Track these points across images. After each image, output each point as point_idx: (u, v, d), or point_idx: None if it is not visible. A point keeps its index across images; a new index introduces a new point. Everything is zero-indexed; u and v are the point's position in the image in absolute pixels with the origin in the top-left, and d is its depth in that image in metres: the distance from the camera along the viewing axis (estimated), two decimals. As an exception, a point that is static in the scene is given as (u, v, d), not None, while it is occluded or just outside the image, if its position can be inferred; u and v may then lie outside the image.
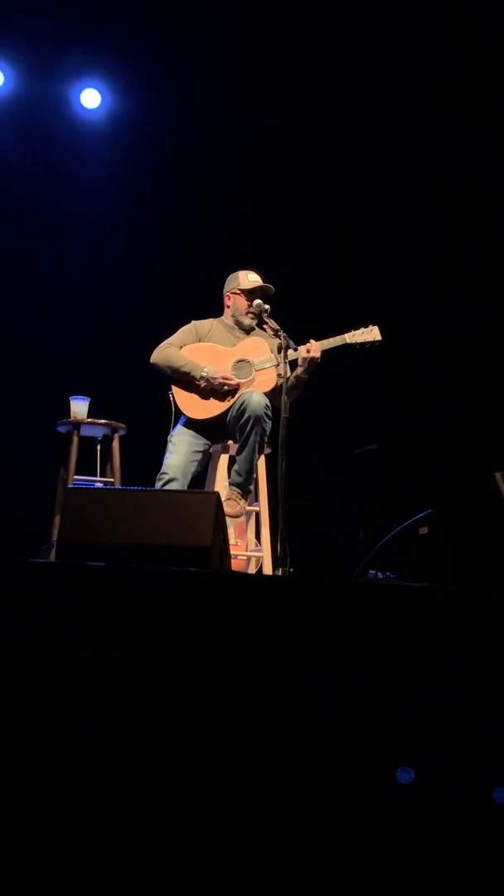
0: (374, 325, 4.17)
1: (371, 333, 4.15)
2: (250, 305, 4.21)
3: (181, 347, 4.20)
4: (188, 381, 4.13)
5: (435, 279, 5.78)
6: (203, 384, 4.11)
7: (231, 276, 4.33)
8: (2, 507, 5.25)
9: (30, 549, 4.52)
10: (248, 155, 5.87)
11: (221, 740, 1.92)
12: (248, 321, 4.25)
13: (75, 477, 4.75)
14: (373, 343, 4.16)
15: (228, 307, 4.32)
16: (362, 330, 4.15)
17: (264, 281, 4.26)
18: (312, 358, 4.01)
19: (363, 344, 4.15)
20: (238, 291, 4.27)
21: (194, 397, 4.15)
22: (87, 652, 1.93)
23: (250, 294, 4.24)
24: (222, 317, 4.34)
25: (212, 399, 4.14)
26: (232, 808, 1.90)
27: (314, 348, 4.02)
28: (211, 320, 4.33)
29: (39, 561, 2.92)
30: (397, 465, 5.49)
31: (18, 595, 1.98)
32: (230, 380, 4.11)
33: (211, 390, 4.12)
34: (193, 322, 4.31)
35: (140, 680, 1.91)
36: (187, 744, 1.91)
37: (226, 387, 4.10)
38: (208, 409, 4.14)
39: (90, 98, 5.94)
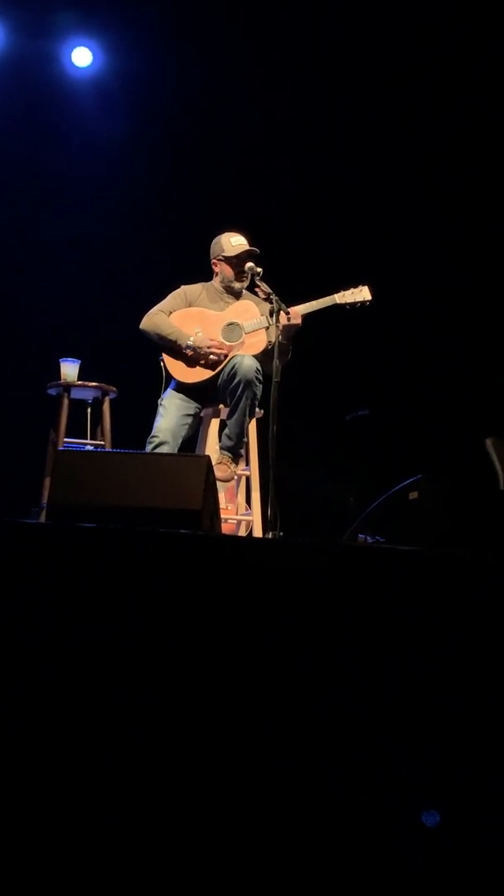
0: (364, 284, 4.13)
1: (361, 293, 4.12)
2: (238, 271, 4.17)
3: (170, 313, 4.18)
4: (175, 349, 4.11)
5: (428, 235, 5.74)
6: (190, 353, 4.09)
7: (215, 241, 4.28)
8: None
9: (20, 511, 4.52)
10: (240, 114, 5.81)
11: (210, 704, 1.94)
12: (237, 286, 4.21)
13: (66, 440, 4.75)
14: (363, 303, 4.12)
15: (217, 273, 4.28)
16: (352, 290, 4.11)
17: (249, 242, 4.21)
18: (293, 325, 3.96)
19: (353, 304, 4.11)
20: (222, 258, 4.23)
21: (183, 362, 4.14)
22: (76, 613, 1.93)
23: (235, 259, 4.19)
24: (211, 281, 4.31)
25: (201, 364, 4.12)
26: (217, 771, 1.92)
27: (294, 314, 3.96)
28: (201, 284, 4.30)
29: (30, 521, 2.92)
30: (388, 430, 5.50)
31: (10, 556, 1.98)
32: (218, 346, 4.08)
33: (199, 358, 4.10)
34: (183, 287, 4.28)
35: (128, 641, 1.92)
36: (177, 710, 1.92)
37: (213, 356, 4.08)
38: (198, 373, 4.13)
39: (81, 56, 5.85)
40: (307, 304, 4.03)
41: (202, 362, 4.11)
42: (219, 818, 1.88)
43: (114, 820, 1.86)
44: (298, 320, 3.96)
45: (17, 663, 1.90)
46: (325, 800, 1.93)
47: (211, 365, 4.10)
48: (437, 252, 5.76)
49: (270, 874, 1.85)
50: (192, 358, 4.12)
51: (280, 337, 3.90)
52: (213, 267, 4.29)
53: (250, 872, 1.86)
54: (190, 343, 4.07)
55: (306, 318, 4.01)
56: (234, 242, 4.21)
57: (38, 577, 1.97)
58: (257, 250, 4.18)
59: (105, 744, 1.88)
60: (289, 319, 3.90)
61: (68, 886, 1.81)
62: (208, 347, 4.07)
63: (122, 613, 1.94)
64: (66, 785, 1.86)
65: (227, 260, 4.21)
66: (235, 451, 4.04)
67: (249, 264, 4.08)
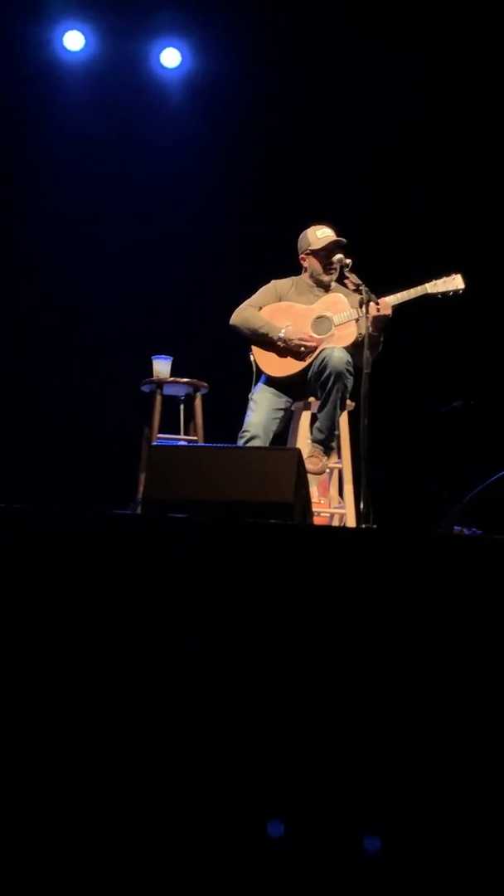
0: (456, 272, 4.06)
1: (453, 282, 4.05)
2: (327, 263, 4.15)
3: (260, 308, 4.19)
4: (267, 342, 4.12)
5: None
6: (281, 345, 4.09)
7: (301, 236, 4.27)
8: (89, 466, 5.36)
9: (117, 506, 4.60)
10: (327, 113, 5.79)
11: (303, 694, 1.94)
12: (326, 278, 4.19)
13: (159, 435, 4.81)
14: (455, 292, 4.05)
15: (305, 269, 4.28)
16: (444, 279, 4.05)
17: (336, 233, 4.19)
18: (383, 315, 3.92)
19: (445, 293, 4.04)
20: (310, 252, 4.22)
21: (274, 356, 4.14)
22: (171, 603, 1.96)
23: (322, 252, 4.18)
24: (301, 276, 4.31)
25: (291, 357, 4.12)
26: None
27: (383, 305, 3.92)
28: (291, 279, 4.30)
29: (127, 513, 2.98)
30: (482, 422, 5.40)
31: (109, 547, 2.02)
32: (308, 339, 4.08)
33: (290, 351, 4.10)
34: (273, 282, 4.29)
35: (224, 628, 1.93)
36: (265, 695, 1.93)
37: (303, 347, 4.07)
38: (289, 366, 4.13)
39: (170, 57, 5.91)
40: (398, 294, 3.99)
41: (293, 355, 4.11)
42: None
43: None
44: (389, 311, 3.93)
45: (108, 646, 1.93)
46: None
47: (301, 357, 4.10)
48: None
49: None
50: (283, 351, 4.12)
51: (370, 328, 3.88)
52: (302, 262, 4.29)
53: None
54: (281, 335, 4.08)
55: (397, 308, 3.97)
56: (320, 235, 4.20)
57: (135, 567, 2.00)
58: (344, 240, 4.16)
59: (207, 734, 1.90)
60: (378, 310, 3.87)
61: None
62: (299, 340, 4.07)
63: (215, 601, 1.96)
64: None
65: (315, 253, 4.20)
66: (327, 444, 4.03)
67: (338, 256, 4.05)
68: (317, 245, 4.19)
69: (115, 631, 1.93)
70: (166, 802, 1.90)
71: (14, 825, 1.87)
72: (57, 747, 1.91)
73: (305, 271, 4.28)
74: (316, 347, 4.08)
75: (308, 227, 4.26)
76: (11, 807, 1.88)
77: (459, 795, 1.90)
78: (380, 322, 3.92)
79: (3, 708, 1.91)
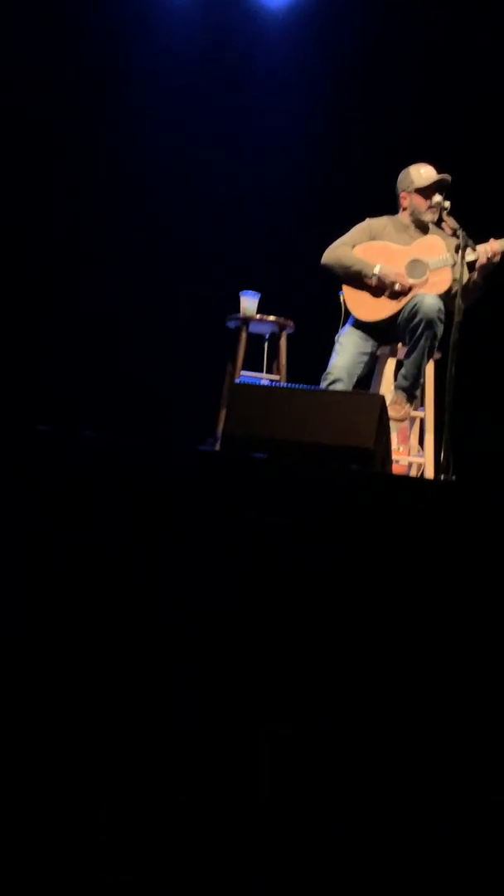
0: None
1: None
2: (429, 202, 4.04)
3: (353, 247, 4.11)
4: (359, 281, 4.04)
5: None
6: (374, 282, 4.00)
7: (403, 174, 4.15)
8: (172, 400, 5.38)
9: (196, 440, 4.62)
10: (433, 45, 5.57)
11: (371, 641, 1.93)
12: (429, 216, 4.07)
13: (242, 372, 4.80)
14: None
15: (405, 208, 4.16)
16: None
17: (438, 171, 4.07)
18: (491, 262, 3.83)
19: None
20: (413, 191, 4.10)
21: (365, 298, 4.06)
22: (243, 541, 1.96)
23: (426, 191, 4.06)
24: (397, 215, 4.20)
25: (382, 300, 4.04)
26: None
27: (494, 251, 3.82)
28: (386, 218, 4.20)
29: (205, 448, 2.98)
30: None
31: (185, 483, 2.03)
32: (403, 280, 3.99)
33: (382, 291, 4.01)
34: (367, 220, 4.19)
35: (294, 574, 1.93)
36: (338, 645, 1.92)
37: (398, 286, 3.98)
38: (379, 310, 4.05)
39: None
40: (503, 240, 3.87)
41: (386, 294, 4.02)
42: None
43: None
44: (498, 257, 3.82)
45: (181, 586, 1.95)
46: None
47: (394, 297, 4.00)
48: None
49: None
50: (375, 293, 4.03)
51: (475, 276, 3.80)
52: (402, 201, 4.17)
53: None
54: (376, 272, 3.98)
55: None
56: (423, 173, 4.09)
57: (209, 505, 2.00)
58: (449, 177, 4.04)
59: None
60: (489, 257, 3.77)
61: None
62: (393, 281, 3.98)
63: (287, 545, 1.95)
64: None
65: (420, 191, 4.09)
66: (411, 391, 3.96)
67: (437, 198, 3.94)
68: (421, 183, 4.08)
69: (192, 565, 1.94)
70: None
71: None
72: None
73: (404, 210, 4.17)
74: (409, 290, 3.99)
75: (408, 166, 4.15)
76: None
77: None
78: (486, 269, 3.83)
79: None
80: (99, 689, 1.93)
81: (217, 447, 4.19)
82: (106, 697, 1.92)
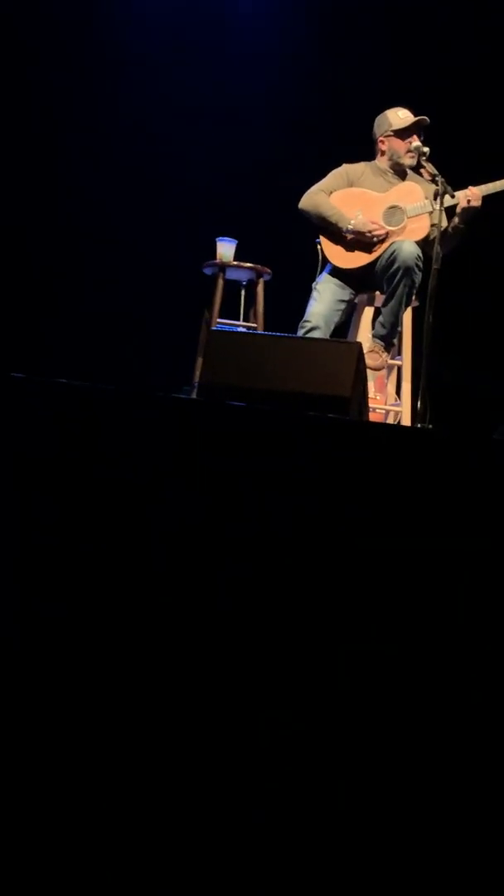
0: None
1: None
2: (408, 145, 4.00)
3: (331, 193, 4.06)
4: (336, 231, 4.01)
5: None
6: (350, 237, 3.98)
7: (380, 118, 4.11)
8: (147, 347, 5.34)
9: (173, 389, 4.60)
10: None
11: (347, 590, 1.94)
12: (408, 160, 4.03)
13: (219, 320, 4.76)
14: None
15: (383, 152, 4.11)
16: None
17: (415, 114, 4.02)
18: (473, 207, 3.80)
19: None
20: (391, 133, 4.06)
21: (342, 247, 4.04)
22: (222, 493, 1.96)
23: (405, 132, 4.02)
24: (375, 160, 4.15)
25: (360, 249, 4.02)
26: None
27: (474, 196, 3.80)
28: (363, 163, 4.15)
29: (181, 397, 2.97)
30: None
31: (161, 431, 2.01)
32: (379, 229, 3.96)
33: (359, 241, 3.99)
34: (345, 165, 4.15)
35: (268, 524, 1.93)
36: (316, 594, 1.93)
37: (374, 237, 3.96)
38: (356, 258, 4.03)
39: None
40: (487, 185, 3.84)
41: (361, 247, 4.00)
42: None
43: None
44: (478, 202, 3.80)
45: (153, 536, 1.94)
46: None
47: (370, 249, 3.99)
48: None
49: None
50: (351, 242, 4.01)
51: (456, 221, 3.78)
52: (380, 145, 4.12)
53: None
54: (350, 227, 3.96)
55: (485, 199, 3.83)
56: (401, 115, 4.05)
57: (186, 453, 2.00)
58: (427, 119, 4.00)
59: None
60: (469, 201, 3.75)
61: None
62: (369, 231, 3.95)
63: (263, 497, 1.95)
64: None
65: (398, 133, 4.04)
66: (388, 339, 3.95)
67: (415, 143, 3.90)
68: (399, 125, 4.03)
69: (170, 514, 1.93)
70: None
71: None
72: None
73: (382, 155, 4.12)
74: (385, 238, 3.96)
75: (385, 111, 4.10)
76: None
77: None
78: (468, 213, 3.81)
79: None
80: (88, 674, 1.92)
81: (194, 395, 4.18)
82: (97, 684, 1.91)
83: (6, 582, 1.93)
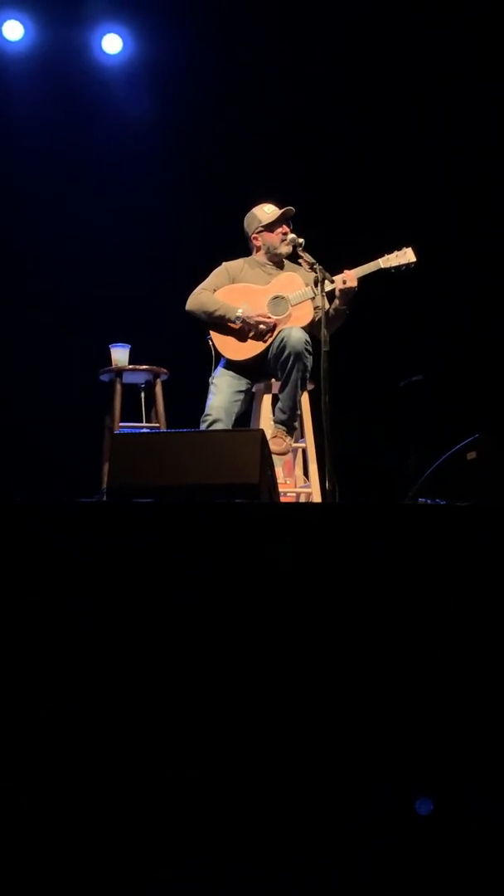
0: (407, 246, 4.09)
1: (405, 255, 4.08)
2: (281, 235, 4.17)
3: (215, 291, 4.18)
4: (224, 325, 4.12)
5: (470, 194, 5.65)
6: (239, 325, 4.09)
7: (248, 217, 4.29)
8: (51, 458, 5.31)
9: (83, 497, 4.57)
10: (270, 91, 5.77)
11: (276, 676, 1.95)
12: (284, 249, 4.18)
13: (121, 424, 4.78)
14: (408, 265, 4.08)
15: (258, 247, 4.28)
16: (396, 253, 4.07)
17: (279, 206, 4.21)
18: (349, 288, 3.96)
19: (398, 267, 4.07)
20: (262, 229, 4.23)
21: (232, 339, 4.14)
22: (142, 586, 1.96)
23: (274, 224, 4.20)
24: (252, 256, 4.31)
25: (249, 340, 4.13)
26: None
27: (349, 277, 3.96)
28: (241, 260, 4.30)
29: (92, 501, 2.96)
30: (442, 394, 5.44)
31: (75, 536, 2.01)
32: (266, 318, 4.08)
33: (247, 332, 4.10)
34: (224, 264, 4.28)
35: (192, 611, 1.94)
36: (244, 686, 1.94)
37: (262, 325, 4.08)
38: (248, 349, 4.13)
39: (112, 43, 5.86)
40: (357, 268, 4.02)
41: (251, 335, 4.11)
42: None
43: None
44: (354, 283, 3.96)
45: (79, 635, 1.93)
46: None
47: (260, 338, 4.10)
48: (483, 209, 5.66)
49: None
50: (241, 332, 4.12)
51: (337, 303, 3.91)
52: (254, 241, 4.29)
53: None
54: (239, 314, 4.07)
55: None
56: (267, 210, 4.24)
57: (102, 554, 2.00)
58: (292, 209, 4.19)
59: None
60: (345, 283, 3.91)
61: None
62: (257, 322, 4.07)
63: (185, 585, 1.96)
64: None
65: (267, 227, 4.21)
66: (289, 424, 4.03)
67: (291, 235, 4.06)
68: (267, 220, 4.21)
69: (89, 614, 1.93)
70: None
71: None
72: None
73: (258, 250, 4.28)
74: (274, 327, 4.09)
75: (250, 209, 4.28)
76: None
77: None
78: (347, 295, 3.96)
79: None
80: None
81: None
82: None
83: None
